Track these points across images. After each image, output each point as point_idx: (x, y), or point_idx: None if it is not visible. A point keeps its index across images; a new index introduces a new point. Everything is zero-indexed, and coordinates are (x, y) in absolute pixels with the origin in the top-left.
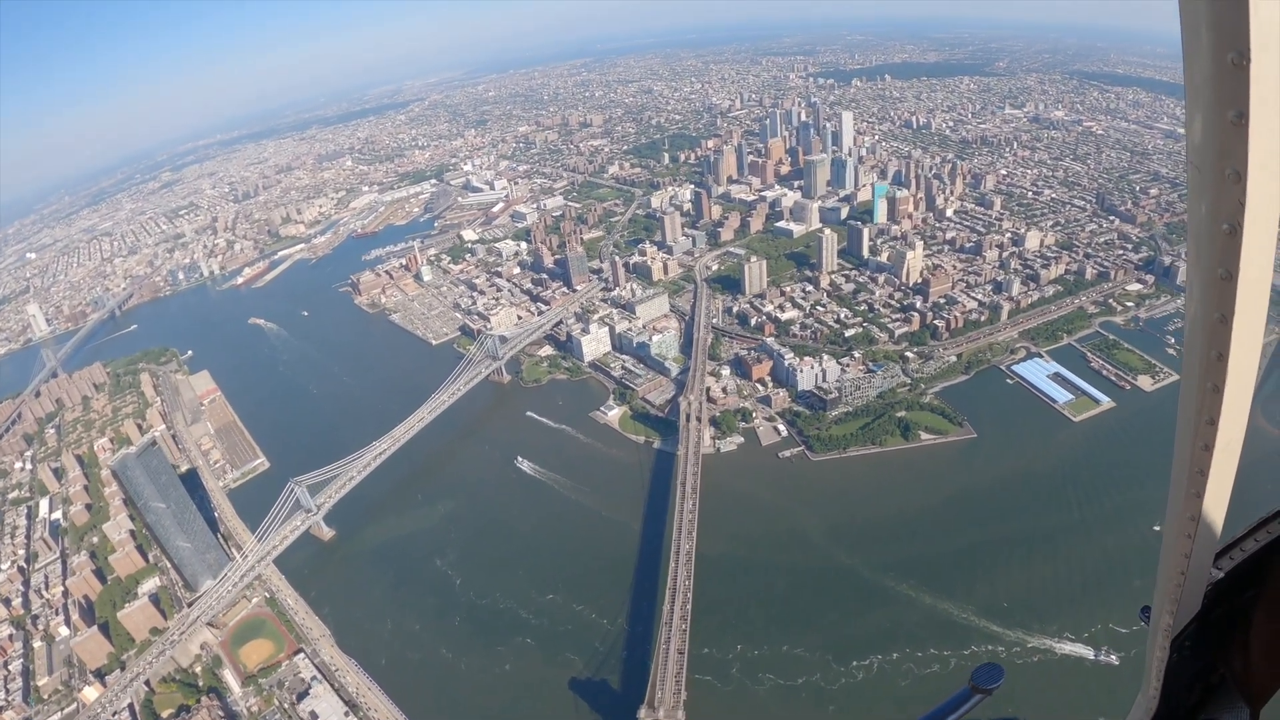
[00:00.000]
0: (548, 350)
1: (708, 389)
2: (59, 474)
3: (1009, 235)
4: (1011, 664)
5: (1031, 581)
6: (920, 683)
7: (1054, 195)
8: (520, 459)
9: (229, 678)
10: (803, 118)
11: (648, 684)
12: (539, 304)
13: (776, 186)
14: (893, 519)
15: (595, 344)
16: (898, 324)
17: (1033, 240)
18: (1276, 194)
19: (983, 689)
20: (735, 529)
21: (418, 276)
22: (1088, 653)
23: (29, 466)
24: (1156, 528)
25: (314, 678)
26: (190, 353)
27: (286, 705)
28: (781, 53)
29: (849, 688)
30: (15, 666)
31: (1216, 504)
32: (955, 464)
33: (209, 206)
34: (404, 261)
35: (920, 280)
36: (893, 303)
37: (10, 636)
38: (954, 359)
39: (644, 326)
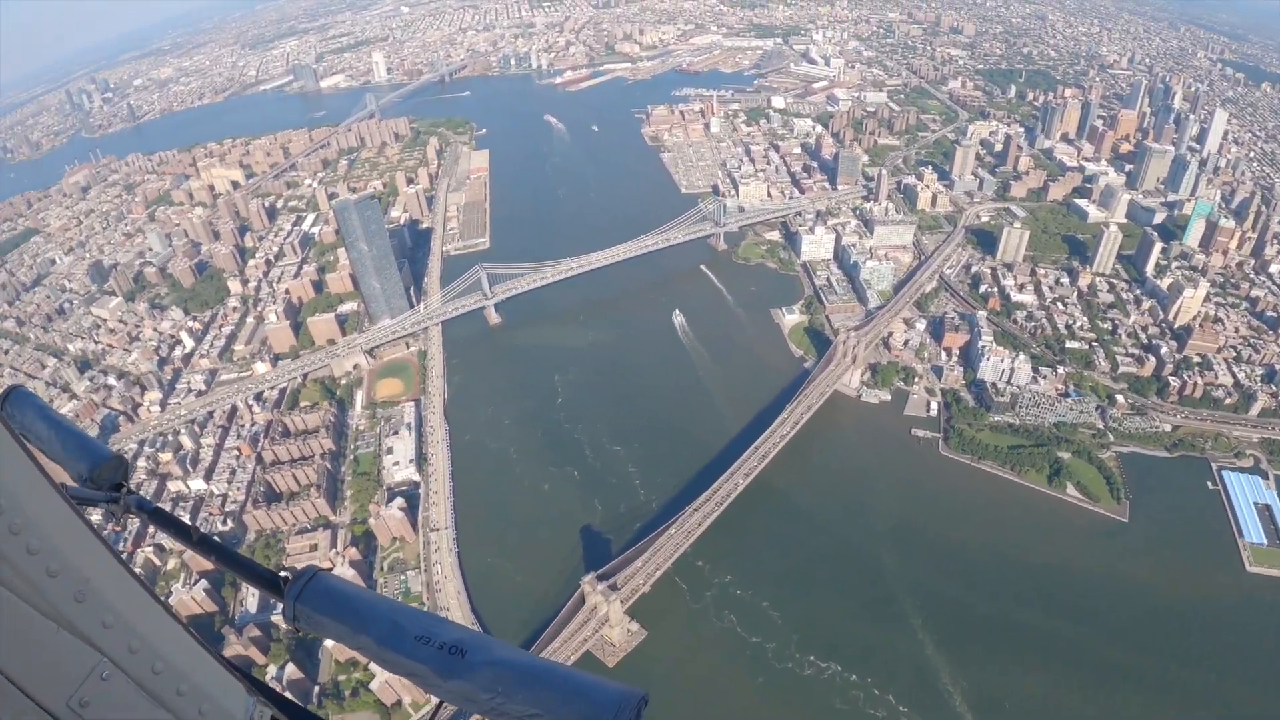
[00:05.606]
0: (775, 235)
1: (889, 334)
2: (332, 198)
3: None
4: None
5: None
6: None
7: None
8: (678, 313)
9: (358, 397)
10: (1177, 101)
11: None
12: (795, 189)
13: (1103, 162)
14: (979, 566)
15: (815, 246)
16: (1129, 361)
17: None
18: None
19: None
20: (806, 483)
21: (707, 126)
22: None
23: (315, 185)
24: None
25: (408, 424)
26: (484, 130)
27: (381, 435)
28: (1208, 26)
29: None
30: (226, 332)
31: None
32: (1082, 543)
33: (570, 2)
34: (702, 107)
35: (1186, 326)
36: (1141, 335)
37: (234, 309)
38: (1166, 429)
39: (872, 249)
